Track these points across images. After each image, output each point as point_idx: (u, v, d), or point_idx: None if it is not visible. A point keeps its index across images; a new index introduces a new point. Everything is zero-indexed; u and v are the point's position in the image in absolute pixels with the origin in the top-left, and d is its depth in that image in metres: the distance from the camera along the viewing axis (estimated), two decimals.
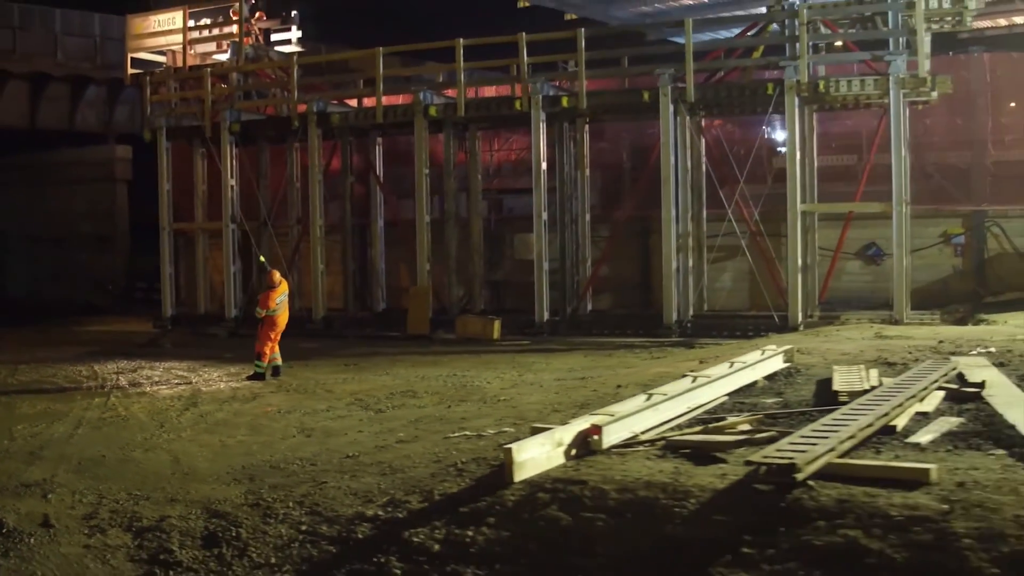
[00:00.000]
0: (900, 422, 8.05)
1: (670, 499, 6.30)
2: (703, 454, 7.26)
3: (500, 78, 22.47)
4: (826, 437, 6.94)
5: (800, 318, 17.79)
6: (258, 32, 21.86)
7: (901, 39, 17.59)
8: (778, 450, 6.57)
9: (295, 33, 22.61)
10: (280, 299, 14.89)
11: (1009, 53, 21.78)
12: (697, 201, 19.77)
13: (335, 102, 21.91)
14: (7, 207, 28.37)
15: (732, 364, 10.39)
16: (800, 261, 17.96)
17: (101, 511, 8.15)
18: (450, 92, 20.31)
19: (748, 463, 6.44)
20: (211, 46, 22.06)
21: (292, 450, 9.76)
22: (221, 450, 10.11)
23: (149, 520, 7.88)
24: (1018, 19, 32.74)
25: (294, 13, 22.98)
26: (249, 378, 14.57)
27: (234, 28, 21.62)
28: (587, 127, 20.62)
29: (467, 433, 9.48)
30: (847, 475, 6.42)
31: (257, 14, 22.04)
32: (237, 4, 21.35)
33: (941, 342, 13.55)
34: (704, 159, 19.82)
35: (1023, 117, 20.99)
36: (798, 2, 18.06)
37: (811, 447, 6.63)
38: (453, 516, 6.72)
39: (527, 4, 31.21)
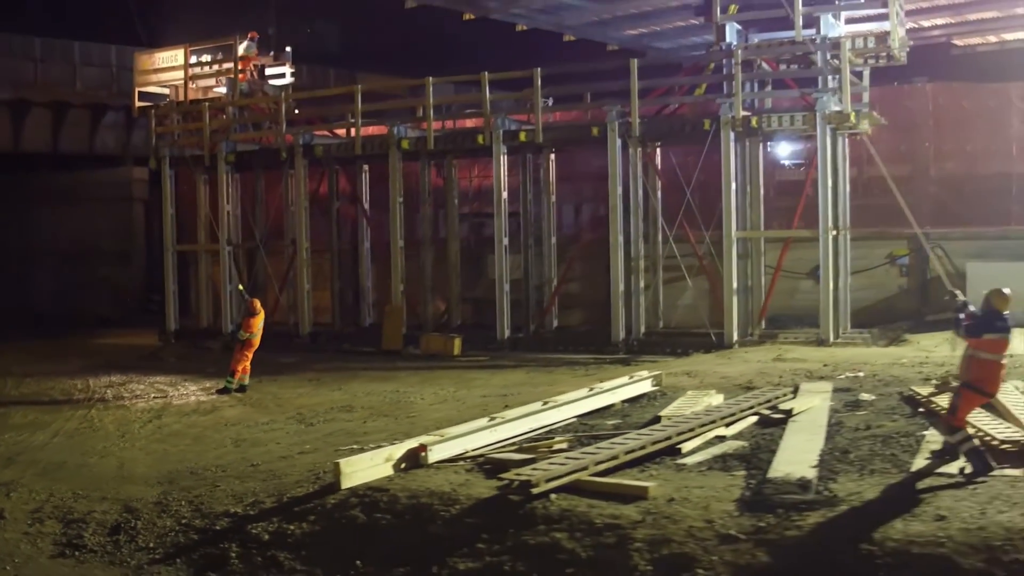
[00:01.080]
0: (690, 444, 10.07)
1: (442, 505, 8.50)
2: (499, 469, 9.40)
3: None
4: (592, 455, 9.06)
5: (736, 337, 19.69)
6: (252, 69, 24.29)
7: (831, 77, 19.37)
8: (533, 468, 8.70)
9: (288, 68, 25.00)
10: (259, 325, 17.34)
11: (950, 83, 23.38)
12: (653, 225, 21.75)
13: (328, 133, 24.25)
14: (35, 224, 31.36)
15: (592, 389, 12.45)
16: (735, 284, 19.86)
17: (46, 507, 10.56)
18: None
19: (499, 478, 8.58)
20: (211, 80, 24.52)
21: (217, 458, 12.08)
22: (161, 457, 12.46)
23: (79, 514, 10.27)
24: (1008, 36, 34.18)
25: (287, 49, 25.41)
26: (218, 391, 16.99)
27: (231, 64, 24.05)
28: (552, 156, 22.76)
29: (354, 446, 11.70)
30: (587, 489, 8.53)
31: (253, 50, 24.46)
32: (233, 42, 23.82)
33: (825, 365, 15.50)
34: (660, 185, 21.82)
35: (963, 145, 22.58)
36: (735, 43, 19.94)
37: (563, 465, 8.74)
38: (287, 514, 8.99)
39: (523, 29, 33.57)
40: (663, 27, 31.11)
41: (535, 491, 8.27)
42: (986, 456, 8.58)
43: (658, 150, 22.11)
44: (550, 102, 21.86)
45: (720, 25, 20.25)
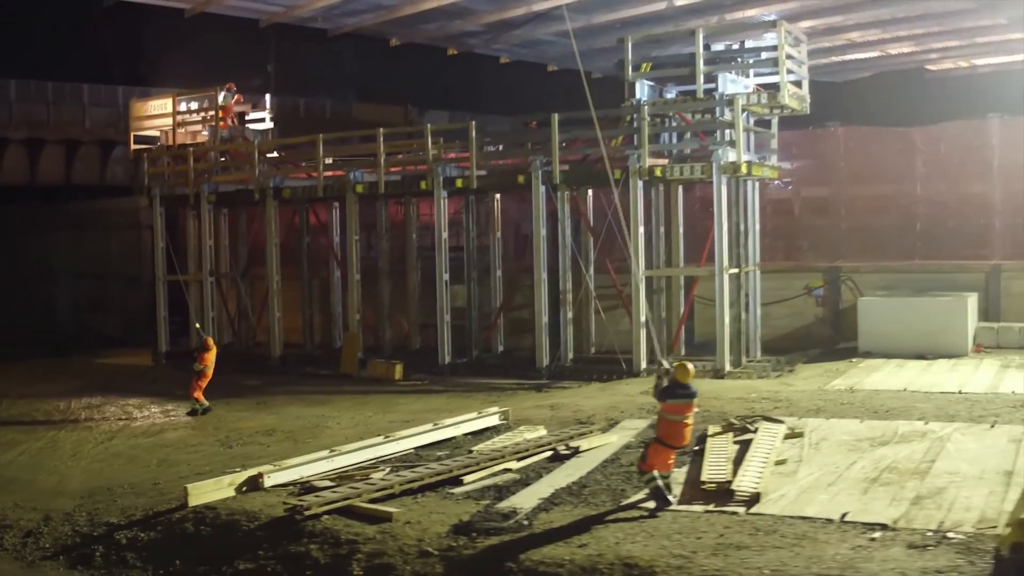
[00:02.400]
0: (473, 476, 13.03)
1: (246, 521, 11.66)
2: (311, 492, 12.51)
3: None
4: (370, 486, 12.12)
5: (643, 365, 22.50)
6: (233, 116, 27.69)
7: (727, 131, 22.03)
8: (316, 495, 11.80)
9: (267, 113, 28.37)
10: (212, 358, 20.75)
11: (859, 127, 25.84)
12: (584, 259, 24.62)
13: (306, 176, 27.49)
14: (54, 248, 35.32)
15: (436, 424, 15.50)
16: (643, 317, 22.64)
17: None
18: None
19: (284, 502, 11.69)
20: (198, 125, 28.00)
21: (135, 477, 15.33)
22: (95, 475, 15.77)
23: (10, 520, 13.61)
24: (978, 61, 36.37)
25: (267, 96, 28.77)
26: (187, 414, 20.38)
27: (212, 112, 27.51)
28: (498, 196, 25.80)
29: (238, 469, 14.85)
30: (356, 512, 11.58)
31: (235, 98, 27.87)
32: (214, 92, 27.27)
33: None
34: (590, 223, 24.68)
35: (871, 185, 25.05)
36: (644, 99, 22.70)
37: (345, 491, 11.82)
38: (145, 525, 12.23)
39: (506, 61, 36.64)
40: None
41: (307, 513, 11.37)
42: (666, 495, 11.40)
43: (590, 192, 25.00)
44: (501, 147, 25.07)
45: (631, 82, 23.00)
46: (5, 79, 31.09)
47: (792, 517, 10.78)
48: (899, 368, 21.11)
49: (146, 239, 34.26)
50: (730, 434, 14.46)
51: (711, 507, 11.32)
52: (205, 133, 28.16)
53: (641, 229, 22.68)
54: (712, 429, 14.82)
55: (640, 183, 22.46)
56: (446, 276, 24.75)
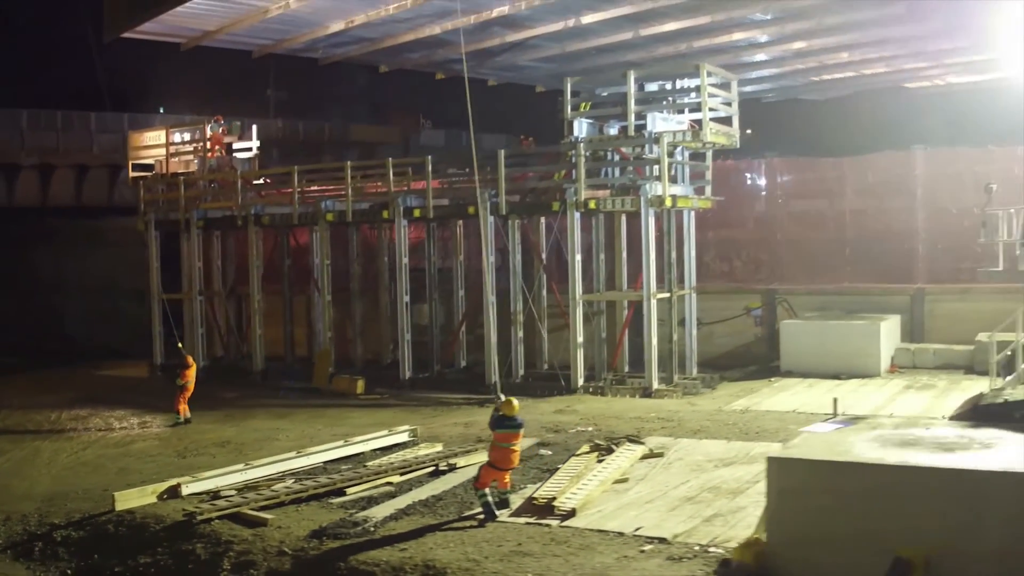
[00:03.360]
0: (355, 489, 15.65)
1: (155, 523, 14.42)
2: (217, 499, 15.25)
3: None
4: (259, 495, 14.82)
5: (580, 382, 24.97)
6: (221, 147, 30.63)
7: (654, 167, 24.39)
8: (212, 503, 14.53)
9: (254, 143, 31.26)
10: (192, 375, 23.63)
11: (794, 158, 28.03)
12: (537, 282, 27.14)
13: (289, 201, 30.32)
14: (67, 264, 38.62)
15: (347, 440, 18.17)
16: (580, 338, 25.11)
17: None
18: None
19: (184, 509, 14.44)
20: (190, 155, 31.01)
21: (92, 484, 18.08)
22: (60, 481, 18.61)
23: None
24: (953, 79, 38.31)
25: (253, 126, 31.65)
26: (169, 426, 23.22)
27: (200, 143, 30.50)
28: (461, 221, 28.41)
29: (183, 478, 17.62)
30: (244, 517, 14.29)
31: (222, 129, 30.82)
32: (203, 125, 30.23)
33: (582, 419, 20.76)
34: (540, 250, 27.20)
35: (804, 211, 27.23)
36: (581, 136, 25.11)
37: (237, 500, 14.54)
38: (78, 525, 15.02)
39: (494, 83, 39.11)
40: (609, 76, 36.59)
41: (200, 518, 14.11)
42: (493, 509, 13.91)
43: (543, 220, 27.50)
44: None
45: (570, 120, 25.44)
46: (17, 109, 34.42)
47: (591, 530, 13.21)
48: (808, 388, 23.36)
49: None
50: (595, 453, 16.91)
51: (531, 519, 13.80)
52: (196, 163, 31.13)
53: (579, 256, 25.12)
54: (582, 449, 17.29)
55: (577, 214, 24.90)
56: (407, 298, 27.39)
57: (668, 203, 24.15)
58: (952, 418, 13.85)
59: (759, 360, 27.09)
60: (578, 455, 16.88)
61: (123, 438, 22.42)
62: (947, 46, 33.02)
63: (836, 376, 24.15)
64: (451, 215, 27.34)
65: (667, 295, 25.14)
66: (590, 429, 19.61)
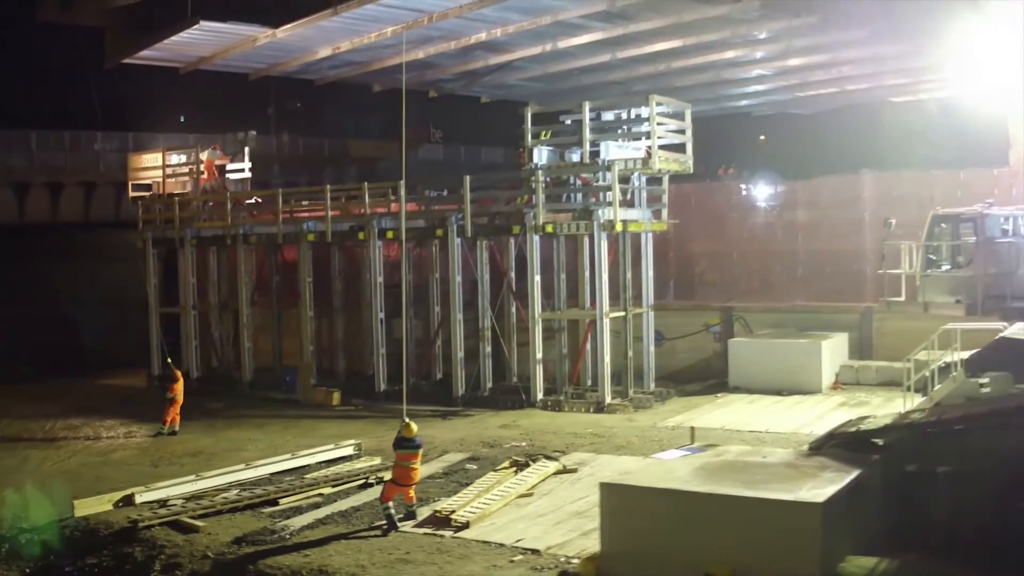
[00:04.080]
0: (288, 499, 17.78)
1: (105, 528, 16.65)
2: (165, 506, 17.45)
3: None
4: (199, 505, 17.00)
5: (540, 396, 26.94)
6: (213, 174, 32.97)
7: (606, 193, 26.27)
8: (154, 511, 16.74)
9: (247, 164, 33.55)
10: (180, 388, 25.92)
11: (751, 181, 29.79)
12: (501, 299, 29.14)
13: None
14: (78, 276, 41.21)
15: (293, 455, 20.33)
16: (539, 355, 27.07)
17: None
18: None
19: (128, 516, 16.65)
20: (185, 177, 33.38)
21: (69, 490, 20.40)
22: (31, 485, 20.90)
23: None
24: (924, 96, 39.82)
25: (246, 149, 33.95)
26: (152, 436, 25.50)
27: (200, 165, 32.85)
28: (436, 242, 30.47)
29: (139, 488, 19.87)
30: (182, 524, 16.48)
31: (219, 156, 33.16)
32: (196, 149, 32.59)
33: (522, 434, 22.76)
34: (507, 269, 29.18)
35: (758, 232, 28.97)
36: (539, 164, 27.04)
37: (177, 508, 16.73)
38: (43, 529, 17.28)
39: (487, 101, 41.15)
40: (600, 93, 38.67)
41: (142, 525, 16.32)
42: (395, 520, 15.94)
43: (512, 240, 29.47)
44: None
45: (530, 148, 27.37)
46: (26, 130, 37.08)
47: (477, 541, 15.20)
48: (748, 405, 25.16)
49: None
50: (513, 469, 18.90)
51: (429, 530, 15.83)
52: (190, 184, 33.50)
53: (538, 277, 27.09)
54: (502, 464, 19.29)
55: (536, 237, 26.87)
56: (381, 314, 29.55)
57: (619, 227, 26.04)
58: (811, 446, 15.59)
59: (718, 374, 28.84)
60: (497, 470, 18.87)
61: (107, 447, 24.72)
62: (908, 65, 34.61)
63: (779, 392, 25.90)
64: (422, 236, 29.40)
65: (621, 313, 27.01)
66: (523, 444, 21.58)
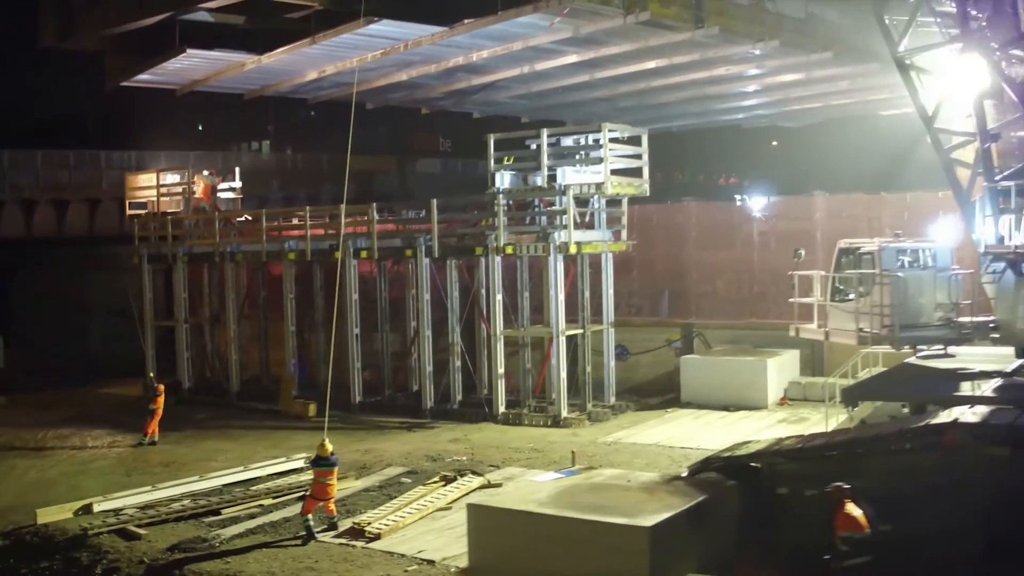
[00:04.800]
0: (230, 510, 19.89)
1: (60, 534, 18.84)
2: (116, 515, 19.61)
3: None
4: (147, 515, 19.17)
5: (502, 409, 28.87)
6: (207, 199, 35.24)
7: (562, 216, 28.11)
8: (104, 520, 18.92)
9: (237, 184, 35.81)
10: (162, 402, 28.16)
11: (709, 202, 31.45)
12: (476, 316, 31.09)
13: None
14: (87, 287, 43.80)
15: (246, 467, 22.44)
16: (501, 369, 28.99)
17: None
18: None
19: (80, 524, 18.85)
20: (178, 196, 35.72)
21: (44, 498, 22.07)
22: (19, 495, 22.75)
23: None
24: (884, 112, 41.25)
25: (236, 169, 36.21)
26: (133, 446, 27.78)
27: (195, 186, 35.20)
28: (412, 261, 32.48)
29: (97, 498, 22.03)
30: (129, 532, 18.63)
31: (207, 172, 35.46)
32: (188, 169, 34.93)
33: (467, 449, 24.68)
34: (484, 285, 31.12)
35: (716, 252, 30.66)
36: (501, 188, 28.92)
37: (126, 517, 18.89)
38: (5, 535, 19.49)
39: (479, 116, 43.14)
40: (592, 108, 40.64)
41: (91, 532, 18.49)
42: (312, 532, 17.96)
43: (483, 260, 31.39)
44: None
45: (492, 173, 29.25)
46: (31, 150, 39.69)
47: (383, 551, 17.16)
48: (694, 420, 26.93)
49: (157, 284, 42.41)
50: (442, 483, 20.86)
51: (344, 540, 17.85)
52: (182, 203, 35.85)
53: (499, 296, 29.00)
54: (432, 479, 21.25)
55: (498, 258, 28.79)
56: (357, 330, 31.63)
57: (573, 249, 27.88)
58: (690, 469, 17.29)
59: (677, 388, 30.56)
60: (426, 484, 20.84)
61: (89, 457, 27.00)
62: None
63: (726, 408, 27.62)
64: (393, 256, 31.43)
65: (579, 331, 28.88)
66: (464, 459, 23.53)
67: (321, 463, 18.04)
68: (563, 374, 28.12)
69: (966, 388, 17.39)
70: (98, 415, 32.71)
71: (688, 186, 50.04)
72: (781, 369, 28.24)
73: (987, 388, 17.05)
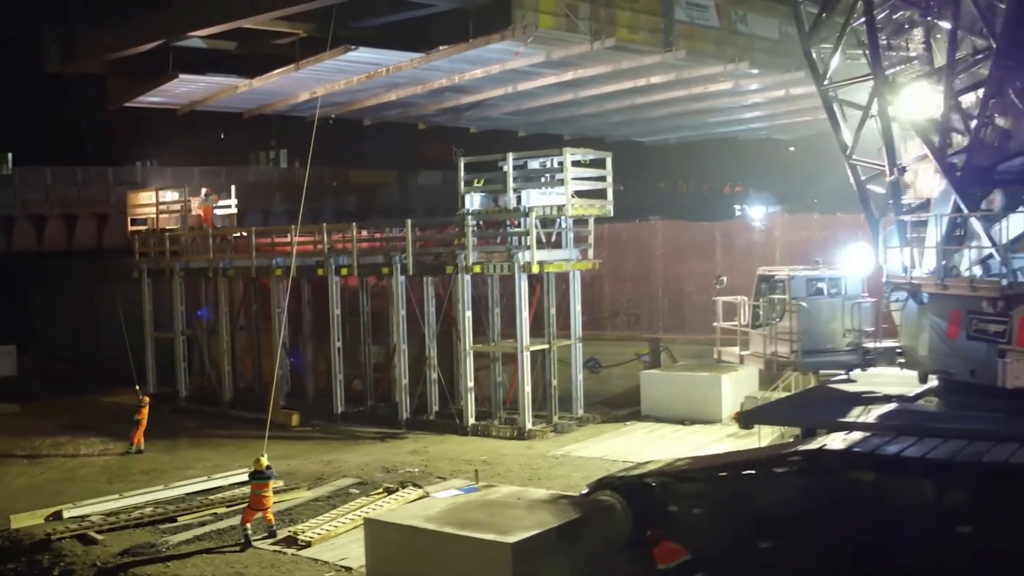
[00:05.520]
0: (185, 517, 22.04)
1: (28, 538, 21.08)
2: (82, 521, 21.83)
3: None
4: (108, 521, 21.38)
5: (471, 421, 30.81)
6: (208, 221, 37.54)
7: (524, 237, 29.96)
8: (65, 525, 21.16)
9: (233, 201, 38.12)
10: (146, 413, 30.45)
11: (673, 221, 33.13)
12: (452, 331, 33.06)
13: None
14: (99, 297, 46.34)
15: (210, 477, 24.60)
16: (470, 383, 30.93)
17: None
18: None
19: (47, 533, 21.09)
20: (176, 213, 38.09)
21: (27, 503, 24.28)
22: (6, 500, 25.23)
23: None
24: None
25: (232, 187, 38.50)
26: (121, 454, 30.09)
27: (192, 202, 37.55)
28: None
29: (67, 505, 24.26)
30: (88, 537, 20.86)
31: (204, 190, 37.81)
32: (184, 188, 37.28)
33: (422, 461, 26.65)
34: (461, 299, 33.09)
35: (681, 269, 32.35)
36: (470, 210, 30.83)
37: (90, 523, 21.12)
38: None
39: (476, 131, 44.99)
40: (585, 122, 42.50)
41: (54, 537, 20.72)
42: (249, 539, 20.02)
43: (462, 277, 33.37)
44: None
45: (462, 195, 31.16)
46: (41, 167, 42.34)
47: (309, 558, 19.13)
48: (648, 433, 28.67)
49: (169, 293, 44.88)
50: (384, 494, 22.85)
51: (279, 548, 19.91)
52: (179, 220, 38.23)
53: (469, 312, 30.93)
54: (376, 490, 23.25)
55: (467, 276, 30.74)
56: (339, 343, 33.76)
57: (535, 268, 29.73)
58: (588, 487, 19.03)
59: None
60: (369, 495, 22.85)
61: (78, 464, 29.31)
62: None
63: (682, 421, 29.32)
64: (371, 273, 33.49)
65: (544, 346, 30.76)
66: (416, 471, 25.49)
67: (257, 476, 20.10)
68: (528, 388, 29.97)
69: (855, 414, 18.79)
70: (95, 423, 34.98)
71: (692, 196, 51.59)
72: (737, 384, 29.81)
73: (873, 414, 18.49)
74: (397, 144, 53.01)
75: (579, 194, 30.63)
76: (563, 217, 30.73)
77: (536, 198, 30.22)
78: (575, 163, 30.28)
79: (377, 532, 16.45)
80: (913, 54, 21.09)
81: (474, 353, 31.20)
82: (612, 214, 30.90)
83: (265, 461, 20.26)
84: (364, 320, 34.54)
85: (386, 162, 49.37)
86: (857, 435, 16.98)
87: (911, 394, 19.73)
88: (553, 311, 31.14)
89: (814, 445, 16.65)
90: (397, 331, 32.18)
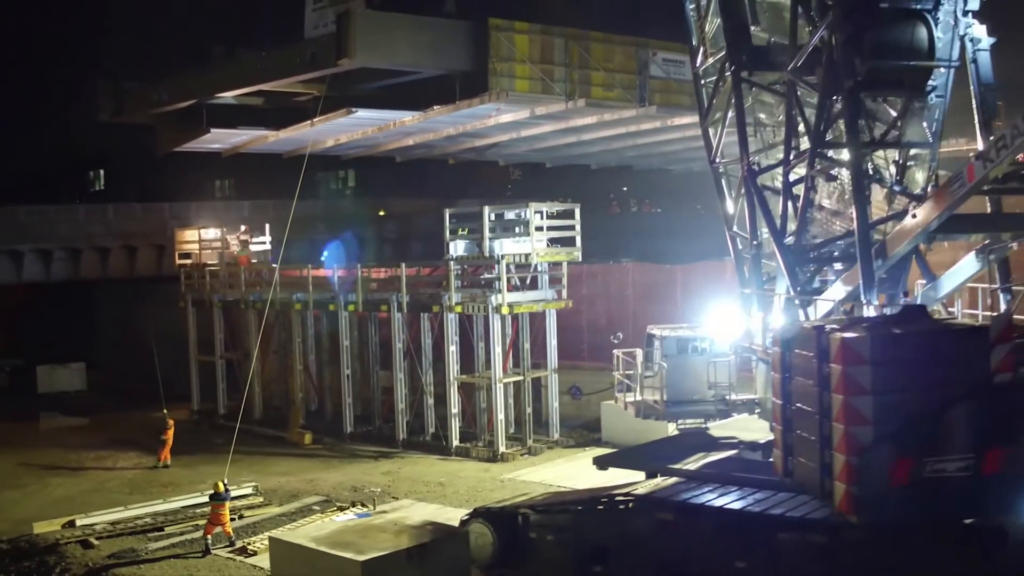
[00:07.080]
0: (174, 527, 27.93)
1: (41, 542, 27.15)
2: (89, 529, 27.86)
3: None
4: (107, 528, 27.35)
5: (456, 443, 36.09)
6: (239, 242, 43.72)
7: (496, 282, 35.06)
8: (72, 532, 27.23)
9: (267, 237, 44.20)
10: (171, 433, 36.59)
11: (642, 262, 37.74)
12: (445, 361, 38.42)
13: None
14: (154, 320, 53.04)
15: (202, 493, 30.46)
16: (456, 409, 36.23)
17: None
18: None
19: (56, 538, 27.16)
20: (217, 249, 44.37)
21: (55, 511, 30.83)
22: (38, 509, 31.12)
23: None
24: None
25: (267, 225, 44.59)
26: (149, 468, 36.29)
27: (232, 240, 43.83)
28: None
29: (79, 515, 30.31)
30: (86, 542, 26.88)
31: (243, 227, 44.00)
32: (223, 229, 43.57)
33: (390, 481, 32.04)
34: (447, 334, 38.45)
35: (649, 307, 36.98)
36: (455, 256, 36.05)
37: (91, 530, 27.15)
38: (8, 541, 27.92)
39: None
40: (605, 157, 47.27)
41: (61, 542, 26.75)
42: (209, 548, 25.63)
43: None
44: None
45: (447, 242, 36.39)
46: (104, 204, 49.21)
47: (251, 564, 24.65)
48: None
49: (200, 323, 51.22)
50: (337, 511, 28.29)
51: (232, 556, 25.53)
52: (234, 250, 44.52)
53: (453, 347, 36.21)
54: (330, 508, 28.72)
55: (451, 315, 36.06)
56: (348, 371, 39.47)
57: (506, 310, 34.86)
58: (465, 516, 23.92)
59: None
60: (324, 513, 28.34)
61: (110, 477, 35.51)
62: None
63: None
64: (374, 309, 39.06)
65: (519, 378, 35.89)
66: (377, 491, 30.87)
67: (215, 498, 25.75)
68: (501, 416, 35.11)
69: (689, 461, 22.93)
70: (137, 439, 41.02)
71: (703, 218, 55.62)
72: None
73: (701, 463, 22.76)
74: (433, 174, 58.29)
75: (553, 241, 35.60)
76: (539, 262, 35.74)
77: (509, 246, 35.21)
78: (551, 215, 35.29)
79: (277, 548, 21.78)
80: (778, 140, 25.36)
81: (461, 382, 36.55)
82: (580, 259, 35.71)
83: (222, 485, 25.85)
84: (372, 349, 40.13)
85: (426, 191, 54.93)
86: (670, 481, 21.48)
87: (761, 442, 23.95)
88: (527, 346, 36.15)
89: (627, 489, 21.39)
90: (395, 362, 37.63)
